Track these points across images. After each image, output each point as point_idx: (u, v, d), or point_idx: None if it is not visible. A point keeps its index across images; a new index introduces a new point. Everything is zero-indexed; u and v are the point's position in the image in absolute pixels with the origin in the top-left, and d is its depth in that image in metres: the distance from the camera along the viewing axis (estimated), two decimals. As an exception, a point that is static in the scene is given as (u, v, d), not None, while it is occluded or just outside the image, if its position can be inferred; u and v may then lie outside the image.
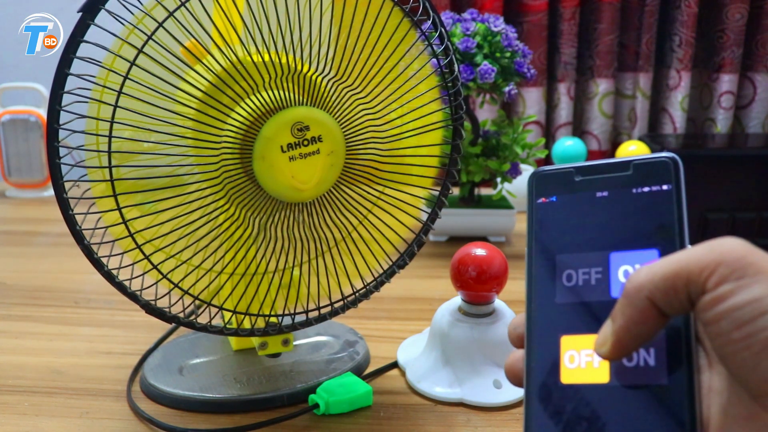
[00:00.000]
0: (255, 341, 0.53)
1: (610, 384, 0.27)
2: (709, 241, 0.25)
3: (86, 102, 0.42)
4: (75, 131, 0.42)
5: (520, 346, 0.31)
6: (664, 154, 0.30)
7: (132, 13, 0.42)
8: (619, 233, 0.30)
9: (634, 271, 0.26)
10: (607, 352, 0.26)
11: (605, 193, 0.31)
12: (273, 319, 0.50)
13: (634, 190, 0.30)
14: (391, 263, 0.52)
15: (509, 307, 0.57)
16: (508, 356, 0.32)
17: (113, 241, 0.44)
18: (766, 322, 0.23)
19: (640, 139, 1.53)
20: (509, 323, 0.32)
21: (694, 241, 0.28)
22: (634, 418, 0.26)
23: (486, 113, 1.49)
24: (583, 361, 0.28)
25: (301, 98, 0.45)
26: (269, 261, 0.48)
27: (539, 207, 0.32)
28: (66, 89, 0.41)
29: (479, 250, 0.54)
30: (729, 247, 0.24)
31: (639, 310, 0.25)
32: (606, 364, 0.28)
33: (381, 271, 0.52)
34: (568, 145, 1.05)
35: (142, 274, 0.45)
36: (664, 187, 0.29)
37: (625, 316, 0.26)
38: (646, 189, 0.30)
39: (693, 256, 0.25)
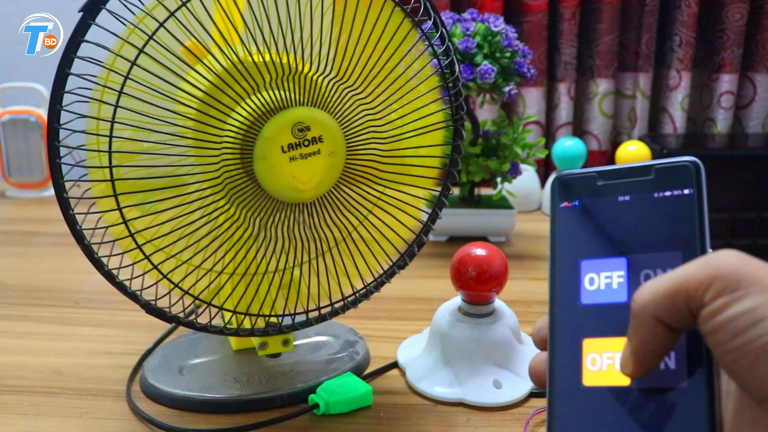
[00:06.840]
0: (255, 341, 0.53)
1: (631, 387, 0.28)
2: (705, 256, 0.26)
3: (87, 102, 0.42)
4: (75, 131, 0.42)
5: (544, 348, 0.31)
6: (685, 158, 0.30)
7: (133, 12, 0.42)
8: (641, 237, 0.30)
9: (638, 290, 0.27)
10: (631, 371, 0.27)
11: (627, 197, 0.31)
12: (273, 319, 0.50)
13: (655, 194, 0.30)
14: (391, 263, 0.52)
15: (509, 307, 0.57)
16: (532, 358, 0.32)
17: (113, 241, 0.44)
18: (760, 330, 0.23)
19: (640, 139, 1.53)
20: (533, 326, 0.33)
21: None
22: (655, 420, 0.26)
23: (486, 113, 1.49)
24: (604, 363, 0.28)
25: (301, 98, 0.45)
26: (269, 261, 0.48)
27: (562, 211, 0.32)
28: (66, 89, 0.41)
29: (479, 250, 0.54)
30: (723, 261, 0.25)
31: (648, 328, 0.26)
32: None
33: (381, 272, 0.52)
34: (568, 145, 1.05)
35: (142, 274, 0.45)
36: (686, 191, 0.30)
37: (638, 337, 0.27)
38: (667, 193, 0.30)
39: (690, 272, 0.26)
